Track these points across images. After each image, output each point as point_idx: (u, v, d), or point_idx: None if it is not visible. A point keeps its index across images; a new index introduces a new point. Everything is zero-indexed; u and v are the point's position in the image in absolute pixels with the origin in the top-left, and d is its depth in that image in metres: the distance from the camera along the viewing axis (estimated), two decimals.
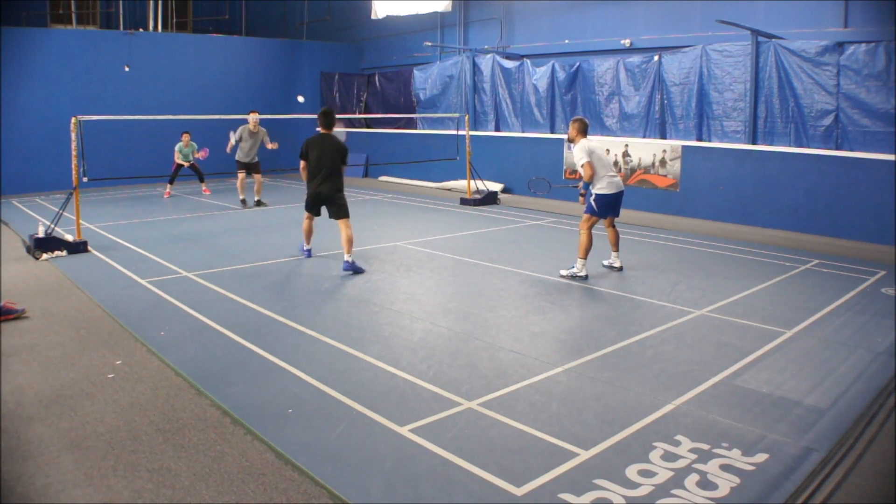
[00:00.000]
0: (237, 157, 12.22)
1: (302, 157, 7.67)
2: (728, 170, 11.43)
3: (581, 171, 7.18)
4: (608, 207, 7.33)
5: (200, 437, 3.76)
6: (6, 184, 14.49)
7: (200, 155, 13.38)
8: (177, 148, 13.91)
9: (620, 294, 6.80)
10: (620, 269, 7.69)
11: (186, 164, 14.01)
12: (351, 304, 6.43)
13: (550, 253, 8.66)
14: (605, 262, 7.87)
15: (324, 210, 7.83)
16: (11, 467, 3.44)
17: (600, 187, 7.22)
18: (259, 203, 12.69)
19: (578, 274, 7.30)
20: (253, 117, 11.99)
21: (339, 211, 7.68)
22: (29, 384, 4.49)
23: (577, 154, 7.17)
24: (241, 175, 12.37)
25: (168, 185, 14.42)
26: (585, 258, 7.30)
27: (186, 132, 13.86)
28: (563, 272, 7.42)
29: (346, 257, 7.55)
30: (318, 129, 7.68)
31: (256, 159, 12.36)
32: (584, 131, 7.30)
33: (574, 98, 14.13)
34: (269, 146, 12.24)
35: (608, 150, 13.06)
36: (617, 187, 7.29)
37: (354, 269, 7.53)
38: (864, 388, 4.50)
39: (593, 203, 7.26)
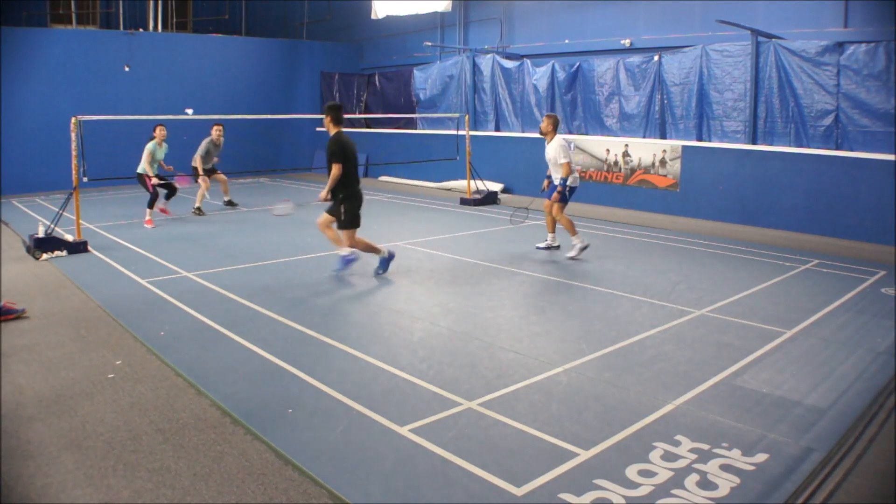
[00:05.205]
0: (204, 165, 12.30)
1: (339, 160, 6.97)
2: (728, 170, 11.43)
3: (560, 167, 8.27)
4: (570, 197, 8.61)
5: (200, 437, 3.76)
6: (6, 184, 14.47)
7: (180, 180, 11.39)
8: (150, 148, 10.58)
9: (620, 294, 6.80)
10: (559, 246, 8.72)
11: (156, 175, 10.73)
12: (351, 304, 6.43)
13: (551, 253, 8.66)
14: (542, 245, 8.82)
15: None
16: (11, 467, 3.44)
17: (573, 180, 8.37)
18: (230, 202, 12.86)
19: (583, 246, 8.30)
20: (217, 131, 12.23)
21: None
22: (29, 384, 4.49)
23: (562, 151, 8.29)
24: (206, 184, 12.27)
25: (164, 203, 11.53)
26: (576, 232, 8.36)
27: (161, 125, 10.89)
28: (571, 254, 8.27)
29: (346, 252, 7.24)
30: (331, 126, 7.12)
31: (218, 161, 12.63)
32: (557, 127, 8.48)
33: (574, 98, 14.11)
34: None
35: (608, 150, 13.13)
36: (578, 181, 8.62)
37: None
38: (864, 388, 4.50)
39: (567, 194, 8.41)
